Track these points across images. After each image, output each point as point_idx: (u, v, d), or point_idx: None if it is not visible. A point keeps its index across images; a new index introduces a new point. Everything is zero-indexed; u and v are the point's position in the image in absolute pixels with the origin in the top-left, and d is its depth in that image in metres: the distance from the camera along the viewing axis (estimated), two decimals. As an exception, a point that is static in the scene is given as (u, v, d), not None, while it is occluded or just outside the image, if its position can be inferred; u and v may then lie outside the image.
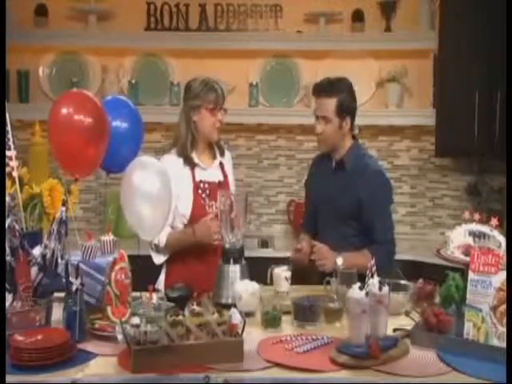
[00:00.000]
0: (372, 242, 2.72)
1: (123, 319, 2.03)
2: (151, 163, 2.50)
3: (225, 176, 2.92)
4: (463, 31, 3.86)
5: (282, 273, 2.49)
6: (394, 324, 2.18)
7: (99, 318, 2.15)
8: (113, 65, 4.34)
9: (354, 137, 2.88)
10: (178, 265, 2.83)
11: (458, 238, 2.30)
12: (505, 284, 1.95)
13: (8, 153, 2.36)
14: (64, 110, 2.37)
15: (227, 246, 2.49)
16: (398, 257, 2.90)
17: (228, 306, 2.21)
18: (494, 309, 1.97)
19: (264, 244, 4.32)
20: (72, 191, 2.51)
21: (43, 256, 2.17)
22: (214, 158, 2.92)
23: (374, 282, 2.03)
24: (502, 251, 2.05)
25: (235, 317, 1.99)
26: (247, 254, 2.58)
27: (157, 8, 4.30)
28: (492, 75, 3.75)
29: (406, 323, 2.23)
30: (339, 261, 2.46)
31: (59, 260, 2.19)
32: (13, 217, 2.19)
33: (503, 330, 1.94)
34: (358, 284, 2.03)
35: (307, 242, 2.81)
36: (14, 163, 2.37)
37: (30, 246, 2.17)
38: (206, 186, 2.84)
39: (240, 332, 1.97)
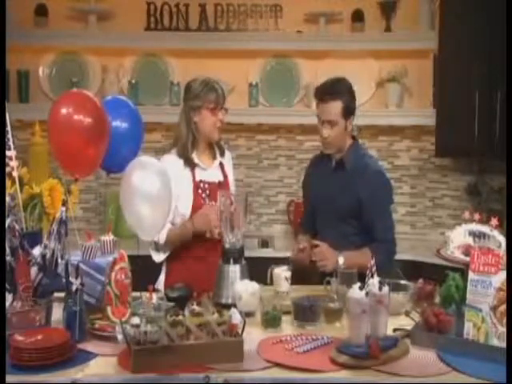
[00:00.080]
0: (372, 241, 2.73)
1: (123, 319, 2.03)
2: (151, 163, 2.50)
3: (225, 176, 2.92)
4: (463, 31, 3.86)
5: (282, 273, 2.49)
6: (393, 324, 2.18)
7: (99, 317, 2.15)
8: (113, 65, 4.34)
9: (353, 136, 2.88)
10: (178, 265, 2.83)
11: (458, 237, 2.30)
12: (505, 284, 1.95)
13: (8, 153, 2.36)
14: (64, 110, 2.37)
15: (227, 245, 2.48)
16: (398, 257, 2.91)
17: (228, 306, 2.21)
18: (493, 309, 1.97)
19: (264, 244, 4.31)
20: (72, 191, 2.51)
21: (43, 256, 2.17)
22: (214, 158, 2.92)
23: (373, 281, 2.03)
24: (502, 251, 2.05)
25: (235, 317, 1.99)
26: (247, 253, 2.58)
27: (157, 8, 4.30)
28: (492, 75, 3.75)
29: (406, 323, 2.23)
30: (340, 260, 2.47)
31: (59, 260, 2.19)
32: (13, 217, 2.19)
33: (503, 330, 1.94)
34: (358, 284, 2.03)
35: (307, 242, 2.81)
36: (13, 163, 2.37)
37: (29, 246, 2.17)
38: (206, 186, 2.84)
39: (240, 332, 1.97)
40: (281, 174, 4.50)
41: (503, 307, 1.95)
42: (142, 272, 2.33)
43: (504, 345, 1.92)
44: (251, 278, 2.42)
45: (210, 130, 2.81)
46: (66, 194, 2.43)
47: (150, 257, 2.82)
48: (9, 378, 1.76)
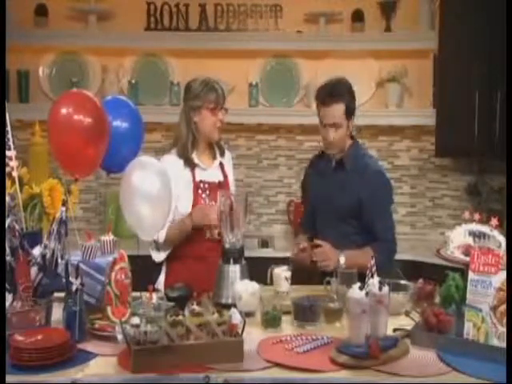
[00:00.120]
0: (373, 240, 2.74)
1: (123, 319, 2.03)
2: (151, 163, 2.50)
3: (225, 176, 2.92)
4: (463, 31, 3.86)
5: (282, 273, 2.49)
6: (394, 324, 2.18)
7: (99, 318, 2.15)
8: (113, 65, 4.34)
9: (351, 136, 2.88)
10: (178, 265, 2.83)
11: (458, 237, 2.30)
12: (505, 284, 1.95)
13: (8, 153, 2.36)
14: (63, 110, 2.37)
15: (227, 245, 2.49)
16: (398, 257, 2.91)
17: (228, 306, 2.21)
18: (494, 309, 1.97)
19: (264, 244, 4.31)
20: (72, 191, 2.51)
21: (43, 256, 2.17)
22: (214, 158, 2.92)
23: (373, 281, 2.03)
24: (502, 251, 2.05)
25: (235, 317, 1.99)
26: (247, 253, 2.58)
27: (157, 8, 4.29)
28: (492, 75, 3.75)
29: (406, 323, 2.22)
30: (341, 259, 2.47)
31: (59, 260, 2.19)
32: (13, 217, 2.19)
33: (503, 330, 1.94)
34: (358, 284, 2.03)
35: (307, 241, 2.81)
36: (13, 163, 2.37)
37: (29, 246, 2.17)
38: (206, 186, 2.84)
39: (240, 332, 1.97)
40: (280, 174, 4.50)
41: (503, 307, 1.95)
42: (142, 272, 2.33)
43: (504, 345, 1.92)
44: (251, 278, 2.42)
45: (210, 130, 2.82)
46: (66, 193, 2.43)
47: (149, 257, 2.82)
48: (9, 378, 1.76)
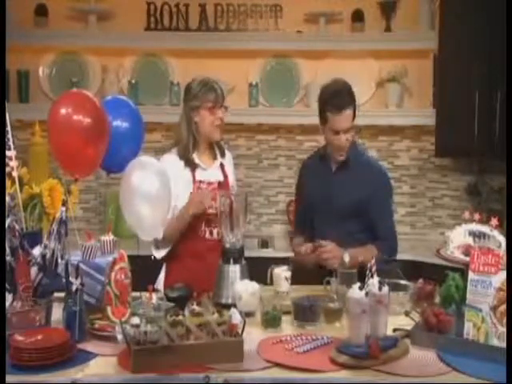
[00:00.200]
0: (375, 239, 2.77)
1: (123, 319, 2.03)
2: (150, 163, 2.51)
3: (225, 176, 2.92)
4: (463, 31, 3.86)
5: (282, 273, 2.49)
6: (393, 324, 2.18)
7: (99, 318, 2.15)
8: (113, 65, 4.34)
9: None
10: (178, 265, 2.83)
11: (458, 237, 2.30)
12: (505, 284, 1.95)
13: (8, 153, 2.36)
14: (63, 110, 2.37)
15: (227, 245, 2.49)
16: (398, 257, 2.91)
17: (228, 306, 2.21)
18: (494, 309, 1.97)
19: (264, 244, 4.31)
20: (72, 191, 2.51)
21: (43, 256, 2.17)
22: (215, 158, 2.92)
23: (373, 281, 2.03)
24: (502, 251, 2.05)
25: (235, 317, 1.99)
26: (247, 253, 2.58)
27: (157, 8, 4.30)
28: (492, 75, 3.75)
29: (406, 323, 2.22)
30: (346, 257, 2.49)
31: (59, 260, 2.19)
32: (13, 217, 2.19)
33: (503, 330, 1.94)
34: (358, 284, 2.03)
35: (309, 243, 2.83)
36: (13, 163, 2.37)
37: (29, 246, 2.17)
38: (206, 186, 2.84)
39: (240, 332, 1.97)
40: (281, 174, 4.50)
41: (503, 307, 1.95)
42: (142, 272, 2.33)
43: (504, 345, 1.92)
44: (251, 278, 2.42)
45: (210, 129, 2.81)
46: (65, 194, 2.43)
47: (150, 257, 2.82)
48: (9, 378, 1.77)
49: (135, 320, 1.90)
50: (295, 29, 4.32)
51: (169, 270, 2.88)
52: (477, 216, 2.30)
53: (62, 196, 2.42)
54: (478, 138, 3.83)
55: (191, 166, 2.83)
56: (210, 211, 2.72)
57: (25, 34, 4.11)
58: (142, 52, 4.39)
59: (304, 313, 2.24)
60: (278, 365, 1.90)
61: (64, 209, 2.23)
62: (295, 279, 2.55)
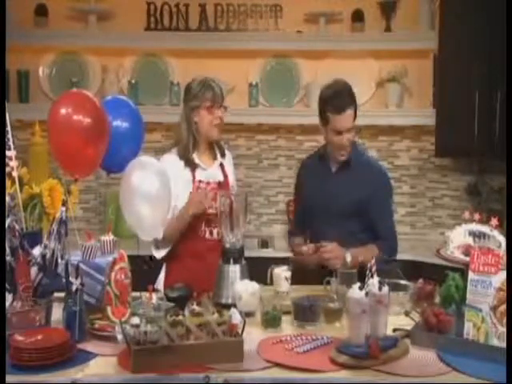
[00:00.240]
0: (376, 238, 2.79)
1: (123, 319, 2.03)
2: (150, 163, 2.51)
3: (225, 176, 2.92)
4: (463, 31, 3.86)
5: (282, 273, 2.49)
6: (393, 324, 2.18)
7: (99, 318, 2.15)
8: (113, 65, 4.34)
9: None
10: (178, 265, 2.83)
11: (458, 238, 2.30)
12: (505, 284, 1.95)
13: (8, 153, 2.36)
14: (63, 110, 2.37)
15: (227, 245, 2.49)
16: (398, 257, 2.91)
17: (228, 306, 2.21)
18: (494, 309, 1.97)
19: (264, 244, 4.31)
20: (72, 191, 2.51)
21: (43, 256, 2.17)
22: (215, 158, 2.92)
23: (373, 281, 2.03)
24: (502, 251, 2.05)
25: (235, 317, 1.99)
26: (247, 253, 2.58)
27: (157, 8, 4.30)
28: (492, 75, 3.75)
29: (406, 323, 2.22)
30: (348, 257, 2.50)
31: (59, 260, 2.19)
32: (13, 217, 2.19)
33: (503, 330, 1.94)
34: (358, 284, 2.03)
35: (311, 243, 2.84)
36: (13, 163, 2.37)
37: (29, 246, 2.17)
38: (206, 185, 2.84)
39: (240, 332, 1.97)
40: (281, 174, 4.50)
41: (503, 307, 1.95)
42: (142, 272, 2.33)
43: (504, 345, 1.92)
44: (251, 278, 2.42)
45: (208, 128, 2.81)
46: (65, 194, 2.43)
47: (150, 257, 2.82)
48: (9, 378, 1.77)
49: (135, 320, 1.90)
50: (295, 29, 4.32)
51: (169, 270, 2.88)
52: (477, 216, 2.30)
53: (61, 196, 2.42)
54: (477, 138, 3.83)
55: (191, 165, 2.83)
56: (210, 211, 2.72)
57: (25, 33, 4.11)
58: (142, 52, 4.39)
59: (304, 313, 2.24)
60: (278, 365, 1.90)
61: (64, 209, 2.23)
62: (295, 279, 2.55)
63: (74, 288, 2.05)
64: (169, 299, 2.33)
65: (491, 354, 1.93)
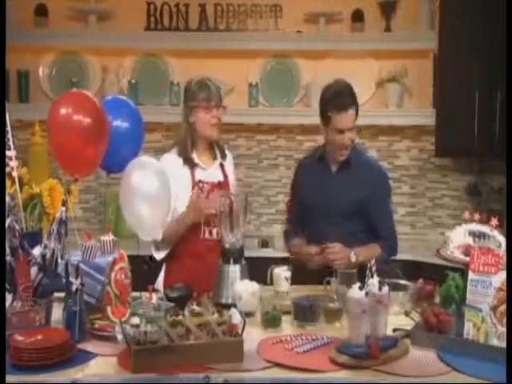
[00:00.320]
0: (377, 238, 2.79)
1: (123, 319, 2.03)
2: (150, 163, 2.51)
3: (225, 176, 2.92)
4: (463, 31, 3.86)
5: (282, 273, 2.49)
6: (393, 324, 2.18)
7: (99, 317, 2.15)
8: (113, 65, 4.34)
9: None
10: (178, 265, 2.83)
11: (458, 237, 2.30)
12: (505, 284, 1.95)
13: (8, 153, 2.36)
14: (63, 110, 2.38)
15: (227, 245, 2.48)
16: (398, 257, 2.91)
17: (228, 306, 2.21)
18: (494, 309, 1.97)
19: (264, 244, 4.31)
20: (72, 191, 2.51)
21: (43, 256, 2.17)
22: (215, 158, 2.92)
23: (373, 281, 2.03)
24: (502, 251, 2.05)
25: (235, 317, 1.99)
26: (247, 253, 2.58)
27: (157, 8, 4.30)
28: (492, 75, 3.75)
29: (406, 323, 2.22)
30: (353, 257, 2.53)
31: (59, 260, 2.19)
32: (13, 217, 2.19)
33: (503, 330, 1.94)
34: (358, 284, 2.03)
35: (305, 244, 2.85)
36: (13, 163, 2.37)
37: (29, 246, 2.17)
38: (206, 185, 2.84)
39: (240, 332, 1.97)
40: (280, 174, 4.50)
41: (503, 307, 1.95)
42: (142, 272, 2.33)
43: (504, 345, 1.92)
44: (251, 278, 2.42)
45: (205, 128, 2.81)
46: (65, 194, 2.43)
47: (150, 257, 2.82)
48: (9, 378, 1.76)
49: (135, 320, 1.90)
50: (295, 29, 4.32)
51: (168, 270, 2.88)
52: (477, 216, 2.30)
53: (61, 196, 2.42)
54: (478, 138, 3.83)
55: (190, 165, 2.83)
56: (210, 211, 2.71)
57: (25, 33, 4.11)
58: (142, 52, 4.39)
59: (304, 313, 2.24)
60: (278, 365, 1.90)
61: (64, 209, 2.23)
62: (295, 279, 2.55)
63: (74, 288, 2.05)
64: (169, 299, 2.33)
65: (491, 353, 1.93)
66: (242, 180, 4.30)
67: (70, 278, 2.06)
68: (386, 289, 2.04)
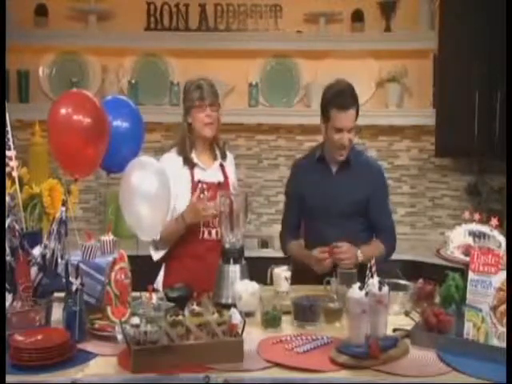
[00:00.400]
0: (377, 238, 2.83)
1: (123, 319, 2.03)
2: (150, 163, 2.51)
3: (225, 177, 2.92)
4: (463, 31, 3.86)
5: (282, 273, 2.49)
6: (393, 324, 2.18)
7: (99, 318, 2.15)
8: (113, 65, 4.34)
9: None
10: (178, 265, 2.83)
11: (458, 238, 2.30)
12: (505, 284, 1.95)
13: (8, 153, 2.36)
14: (63, 110, 2.38)
15: (227, 245, 2.48)
16: (398, 257, 2.93)
17: (228, 306, 2.21)
18: (494, 309, 1.97)
19: (264, 244, 4.32)
20: (72, 191, 2.51)
21: (43, 256, 2.17)
22: (215, 159, 2.92)
23: (373, 282, 2.03)
24: (502, 251, 2.05)
25: (235, 317, 1.99)
26: (247, 253, 2.58)
27: (157, 8, 4.30)
28: (492, 75, 3.75)
29: (406, 323, 2.22)
30: (360, 256, 2.56)
31: (59, 260, 2.19)
32: (13, 217, 2.19)
33: (503, 330, 1.94)
34: (358, 284, 2.03)
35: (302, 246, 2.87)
36: (13, 163, 2.37)
37: (29, 246, 2.17)
38: (205, 186, 2.84)
39: (240, 332, 1.97)
40: (281, 174, 4.49)
41: (503, 307, 1.95)
42: (142, 272, 2.33)
43: (504, 345, 1.92)
44: (251, 278, 2.42)
45: (200, 127, 2.81)
46: (65, 194, 2.43)
47: (149, 257, 2.82)
48: (9, 378, 1.77)
49: (135, 320, 1.90)
50: (295, 29, 4.32)
51: (168, 270, 2.88)
52: (477, 216, 2.30)
53: (61, 196, 2.42)
54: (478, 138, 3.83)
55: (189, 164, 2.83)
56: (210, 212, 2.70)
57: (25, 33, 4.11)
58: (142, 52, 4.39)
59: (304, 313, 2.24)
60: (278, 365, 1.90)
61: (64, 209, 2.24)
62: (295, 279, 2.55)
63: (74, 288, 2.05)
64: (169, 299, 2.33)
65: (491, 353, 1.93)
66: (242, 180, 4.29)
67: (70, 278, 2.06)
68: (385, 289, 2.04)
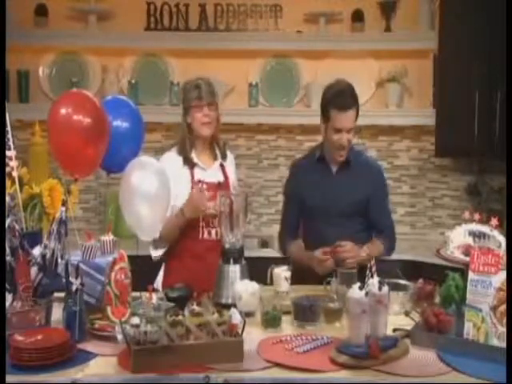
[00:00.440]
0: (376, 237, 2.83)
1: (123, 319, 2.03)
2: (150, 163, 2.51)
3: (225, 177, 2.92)
4: (463, 31, 3.86)
5: (281, 273, 2.49)
6: (393, 324, 2.18)
7: (99, 317, 2.15)
8: (113, 65, 4.34)
9: None
10: (178, 265, 2.83)
11: (458, 238, 2.30)
12: (505, 284, 1.95)
13: (8, 153, 2.36)
14: (63, 110, 2.38)
15: (227, 245, 2.48)
16: (398, 257, 2.93)
17: (228, 306, 2.21)
18: (494, 309, 1.97)
19: (264, 244, 4.32)
20: (72, 191, 2.51)
21: (43, 256, 2.17)
22: (215, 159, 2.92)
23: (373, 281, 2.03)
24: (502, 251, 2.05)
25: (235, 317, 1.99)
26: (247, 253, 2.58)
27: (157, 8, 4.30)
28: (492, 75, 3.75)
29: (406, 323, 2.22)
30: (366, 250, 2.59)
31: (59, 260, 2.19)
32: (13, 217, 2.19)
33: (503, 330, 1.94)
34: (358, 284, 2.02)
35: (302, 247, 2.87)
36: (13, 163, 2.37)
37: (29, 246, 2.17)
38: (205, 185, 2.84)
39: (240, 332, 1.97)
40: (281, 174, 4.48)
41: (503, 307, 1.95)
42: (142, 272, 2.33)
43: (504, 345, 1.92)
44: (251, 278, 2.42)
45: (198, 126, 2.82)
46: (65, 194, 2.43)
47: (149, 257, 2.82)
48: (9, 378, 1.76)
49: (135, 320, 1.90)
50: (295, 29, 4.32)
51: (168, 270, 2.88)
52: (477, 216, 2.30)
53: (61, 196, 2.42)
54: (478, 138, 3.83)
55: (189, 164, 2.84)
56: (209, 211, 2.71)
57: (25, 33, 4.11)
58: (142, 52, 4.39)
59: (304, 313, 2.24)
60: (278, 365, 1.90)
61: (64, 209, 2.24)
62: (295, 279, 2.55)
63: (74, 288, 2.05)
64: (169, 299, 2.33)
65: (491, 353, 1.93)
66: (242, 180, 4.30)
67: (70, 278, 2.06)
68: (385, 289, 2.04)
